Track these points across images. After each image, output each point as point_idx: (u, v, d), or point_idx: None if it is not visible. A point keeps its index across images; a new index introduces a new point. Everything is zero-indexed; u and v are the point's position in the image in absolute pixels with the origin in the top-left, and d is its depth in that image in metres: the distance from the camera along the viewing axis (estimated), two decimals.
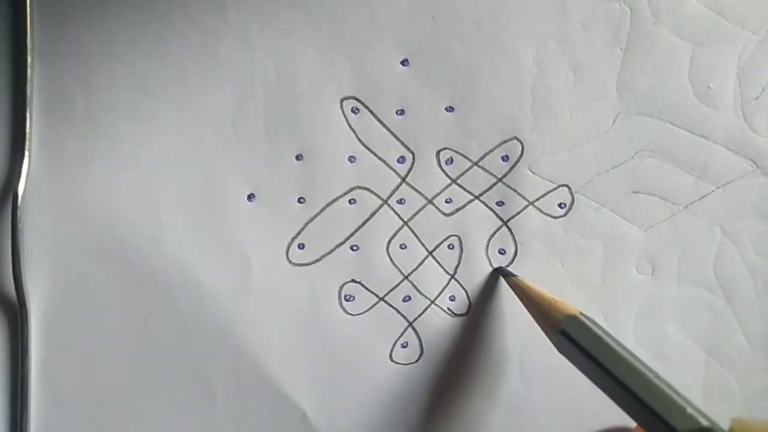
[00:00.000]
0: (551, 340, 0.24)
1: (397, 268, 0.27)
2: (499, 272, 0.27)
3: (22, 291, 0.25)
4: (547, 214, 0.27)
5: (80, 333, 0.26)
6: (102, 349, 0.26)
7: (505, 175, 0.27)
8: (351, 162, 0.26)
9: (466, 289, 0.27)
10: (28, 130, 0.25)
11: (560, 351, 0.23)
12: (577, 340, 0.22)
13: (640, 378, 0.21)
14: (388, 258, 0.27)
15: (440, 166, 0.27)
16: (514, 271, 0.27)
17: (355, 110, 0.26)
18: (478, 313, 0.27)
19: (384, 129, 0.26)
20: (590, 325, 0.23)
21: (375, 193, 0.26)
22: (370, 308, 0.27)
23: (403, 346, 0.27)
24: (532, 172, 0.27)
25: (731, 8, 0.27)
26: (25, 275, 0.25)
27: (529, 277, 0.27)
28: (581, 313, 0.23)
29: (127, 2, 0.25)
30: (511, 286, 0.26)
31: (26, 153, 0.25)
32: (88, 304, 0.26)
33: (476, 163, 0.27)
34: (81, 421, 0.26)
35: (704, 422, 0.20)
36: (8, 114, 0.25)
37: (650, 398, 0.21)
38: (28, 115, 0.25)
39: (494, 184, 0.27)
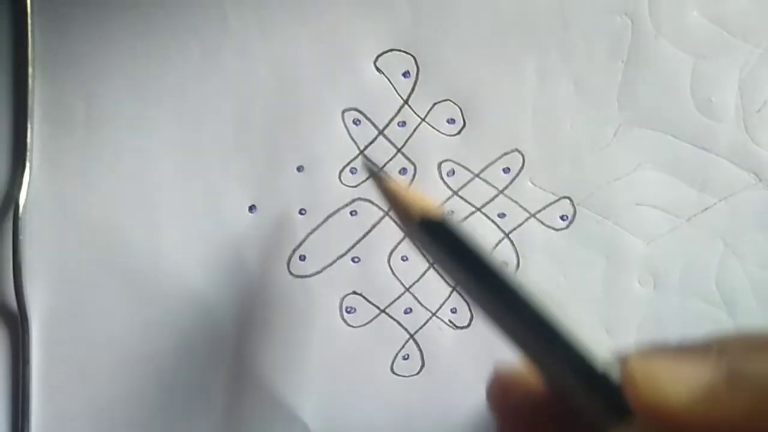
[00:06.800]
0: (409, 235, 0.21)
1: (399, 280, 0.27)
2: (366, 164, 0.25)
3: (23, 301, 0.25)
4: (549, 226, 0.27)
5: (81, 343, 0.26)
6: (103, 359, 0.26)
7: (507, 187, 0.27)
8: (352, 173, 0.26)
9: (468, 301, 0.27)
10: (29, 140, 0.25)
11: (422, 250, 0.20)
12: (438, 238, 0.19)
13: (503, 283, 0.17)
14: (389, 270, 0.27)
15: (442, 178, 0.27)
16: None
17: (356, 121, 0.26)
18: (479, 326, 0.27)
19: (385, 140, 0.26)
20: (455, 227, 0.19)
21: (376, 205, 0.26)
22: (372, 320, 0.27)
23: (405, 359, 0.27)
24: (533, 184, 0.27)
25: (733, 21, 0.27)
26: (26, 286, 0.25)
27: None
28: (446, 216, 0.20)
29: (128, 13, 0.25)
30: (376, 184, 0.22)
31: (27, 164, 0.25)
32: (89, 314, 0.26)
33: (477, 175, 0.27)
34: (83, 431, 0.26)
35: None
36: (9, 125, 0.25)
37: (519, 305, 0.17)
38: (29, 125, 0.25)
39: (495, 196, 0.27)
